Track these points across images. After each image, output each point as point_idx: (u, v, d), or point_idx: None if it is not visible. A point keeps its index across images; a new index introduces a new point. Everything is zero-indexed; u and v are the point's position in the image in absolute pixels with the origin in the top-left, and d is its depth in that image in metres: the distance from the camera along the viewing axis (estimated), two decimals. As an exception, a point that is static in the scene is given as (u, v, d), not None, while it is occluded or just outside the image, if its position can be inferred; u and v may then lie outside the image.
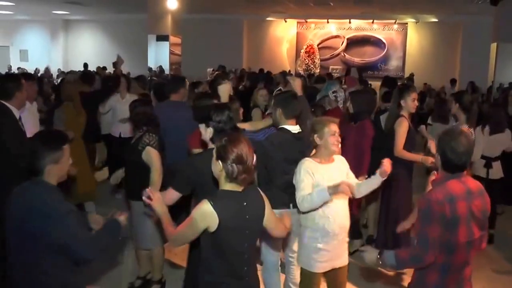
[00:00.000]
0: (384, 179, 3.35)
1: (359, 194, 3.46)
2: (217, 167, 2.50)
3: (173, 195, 3.18)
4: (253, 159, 2.51)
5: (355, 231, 5.20)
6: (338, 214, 3.41)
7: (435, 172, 3.94)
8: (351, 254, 5.25)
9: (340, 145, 3.65)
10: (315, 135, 3.39)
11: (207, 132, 3.20)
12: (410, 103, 4.75)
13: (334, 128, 3.39)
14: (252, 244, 2.66)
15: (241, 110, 4.90)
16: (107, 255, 2.77)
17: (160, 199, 2.66)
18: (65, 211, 2.47)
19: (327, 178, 3.31)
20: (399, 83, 6.59)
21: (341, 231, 3.44)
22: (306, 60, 19.80)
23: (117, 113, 6.99)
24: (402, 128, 4.69)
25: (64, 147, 2.62)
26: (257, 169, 3.48)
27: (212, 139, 3.17)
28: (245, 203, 2.53)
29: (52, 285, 2.57)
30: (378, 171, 3.35)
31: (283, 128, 3.75)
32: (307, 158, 3.44)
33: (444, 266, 2.62)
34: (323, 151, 3.42)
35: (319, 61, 19.88)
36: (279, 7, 17.50)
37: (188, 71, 15.52)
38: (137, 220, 4.16)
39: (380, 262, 2.74)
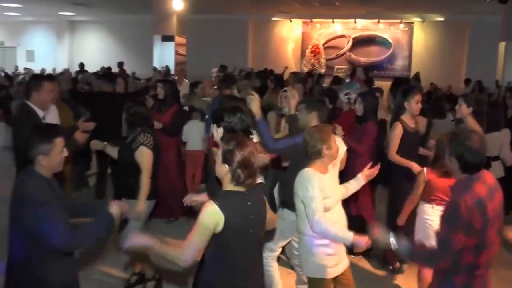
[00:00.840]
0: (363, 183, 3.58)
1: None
2: (223, 169, 2.52)
3: None
4: (258, 163, 2.54)
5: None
6: (341, 217, 3.44)
7: (425, 170, 3.97)
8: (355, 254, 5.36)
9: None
10: (324, 146, 3.26)
11: (218, 133, 3.22)
12: (414, 105, 4.67)
13: (334, 140, 3.38)
14: (256, 244, 2.67)
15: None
16: (97, 245, 2.79)
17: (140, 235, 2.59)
18: (42, 201, 2.52)
19: (330, 187, 3.33)
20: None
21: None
22: (312, 60, 19.77)
23: None
24: (396, 132, 4.65)
25: (55, 140, 2.69)
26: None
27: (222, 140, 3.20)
28: (249, 203, 2.54)
29: (30, 272, 2.63)
30: (360, 174, 3.54)
31: None
32: (311, 170, 3.28)
33: (472, 266, 2.57)
34: (327, 160, 3.35)
35: (324, 61, 19.83)
36: (284, 7, 17.47)
37: (193, 71, 15.53)
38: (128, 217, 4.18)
39: (395, 245, 2.74)
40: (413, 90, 4.79)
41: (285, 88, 5.82)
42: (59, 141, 2.73)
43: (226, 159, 2.50)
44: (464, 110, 4.65)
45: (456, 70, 17.87)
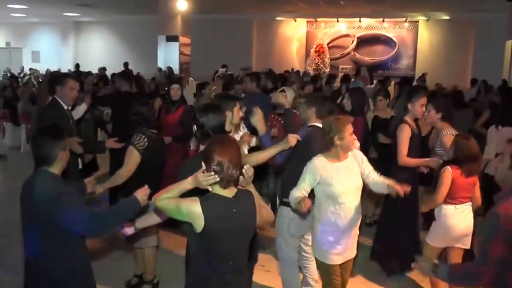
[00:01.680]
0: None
1: (375, 190, 3.65)
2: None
3: None
4: (238, 162, 2.47)
5: None
6: (350, 211, 3.48)
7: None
8: None
9: None
10: (336, 136, 3.38)
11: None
12: (418, 108, 4.59)
13: (351, 127, 3.43)
14: (240, 250, 2.61)
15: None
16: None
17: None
18: (62, 193, 2.72)
19: (336, 177, 3.41)
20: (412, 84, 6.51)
21: (351, 226, 3.52)
22: (316, 59, 19.71)
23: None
24: (404, 135, 4.53)
25: (65, 136, 2.92)
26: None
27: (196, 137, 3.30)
28: (234, 210, 2.48)
29: (56, 259, 2.81)
30: (388, 184, 3.49)
31: (314, 125, 3.94)
32: (319, 156, 3.48)
33: None
34: (339, 151, 3.45)
35: (329, 61, 19.77)
36: (289, 7, 17.44)
37: (198, 71, 15.54)
38: None
39: (434, 273, 2.67)
40: (419, 92, 4.69)
41: (283, 88, 5.85)
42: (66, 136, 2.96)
43: (205, 159, 2.47)
44: (433, 115, 4.62)
45: (461, 70, 17.75)
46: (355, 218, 3.52)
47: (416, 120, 4.76)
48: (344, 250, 3.52)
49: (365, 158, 3.66)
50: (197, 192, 2.52)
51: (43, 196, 2.70)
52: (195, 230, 2.45)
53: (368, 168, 3.61)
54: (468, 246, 3.99)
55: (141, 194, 2.88)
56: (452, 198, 3.85)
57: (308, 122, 4.00)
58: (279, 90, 5.87)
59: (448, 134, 4.47)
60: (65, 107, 4.67)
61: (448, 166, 3.86)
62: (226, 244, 2.50)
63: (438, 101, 4.81)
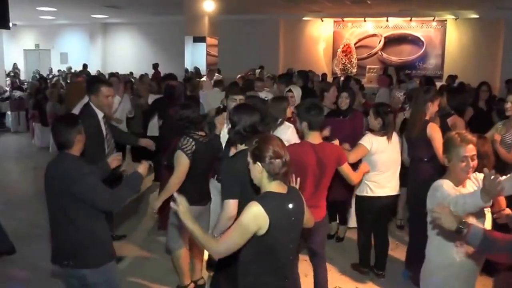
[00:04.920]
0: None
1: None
2: (257, 169, 2.51)
3: (234, 205, 3.07)
4: (288, 153, 2.54)
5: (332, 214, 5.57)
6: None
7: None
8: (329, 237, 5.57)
9: None
10: (445, 154, 3.08)
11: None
12: (436, 107, 4.70)
13: (467, 151, 2.93)
14: (295, 245, 2.66)
15: (290, 109, 4.91)
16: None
17: (186, 210, 2.49)
18: (86, 172, 3.09)
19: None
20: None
21: None
22: (343, 59, 19.59)
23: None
24: (438, 133, 4.45)
25: (79, 121, 3.29)
26: None
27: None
28: (290, 205, 2.53)
29: (80, 232, 3.14)
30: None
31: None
32: (445, 181, 3.04)
33: None
34: (452, 176, 3.05)
35: (356, 61, 19.61)
36: (316, 7, 17.38)
37: (225, 72, 15.58)
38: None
39: (458, 232, 2.42)
40: (438, 93, 4.85)
41: (290, 88, 5.86)
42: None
43: (257, 157, 2.50)
44: (373, 121, 4.62)
45: (490, 70, 17.39)
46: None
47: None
48: None
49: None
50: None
51: (67, 175, 3.06)
52: (256, 235, 2.45)
53: None
54: None
55: (143, 168, 3.33)
56: None
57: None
58: (286, 90, 5.93)
59: None
60: (100, 115, 4.62)
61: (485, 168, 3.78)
62: (286, 239, 2.54)
63: (379, 107, 4.74)
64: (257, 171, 2.51)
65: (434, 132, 4.51)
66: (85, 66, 19.13)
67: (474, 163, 2.93)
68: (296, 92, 5.71)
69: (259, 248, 2.50)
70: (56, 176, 3.12)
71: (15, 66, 22.61)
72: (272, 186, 2.51)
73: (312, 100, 4.08)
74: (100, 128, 4.61)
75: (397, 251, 5.55)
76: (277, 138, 2.59)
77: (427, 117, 4.64)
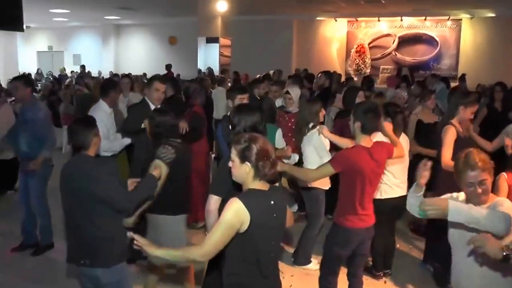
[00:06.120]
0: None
1: None
2: (244, 169, 2.48)
3: (217, 201, 3.17)
4: (274, 153, 2.55)
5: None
6: None
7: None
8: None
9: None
10: (455, 176, 2.80)
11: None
12: (469, 114, 4.51)
13: (470, 177, 2.67)
14: (278, 242, 2.68)
15: (323, 113, 4.86)
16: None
17: (147, 244, 2.51)
18: (105, 172, 3.14)
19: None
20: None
21: None
22: (357, 60, 19.46)
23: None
24: (449, 136, 4.34)
25: (96, 124, 3.36)
26: None
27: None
28: (272, 202, 2.53)
29: (97, 231, 3.16)
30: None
31: None
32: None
33: None
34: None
35: (369, 61, 19.48)
36: (330, 6, 17.29)
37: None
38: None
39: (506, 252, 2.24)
40: (475, 100, 4.58)
41: (287, 89, 5.80)
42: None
43: (245, 156, 2.46)
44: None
45: (506, 69, 17.15)
46: None
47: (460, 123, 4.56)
48: None
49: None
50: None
51: (85, 174, 3.11)
52: (238, 232, 2.43)
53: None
54: None
55: (157, 172, 3.34)
56: None
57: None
58: (284, 91, 5.86)
59: None
60: (152, 107, 4.95)
61: (504, 173, 3.67)
62: (268, 235, 2.54)
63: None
64: (244, 171, 2.48)
65: (445, 135, 4.37)
66: (83, 67, 19.82)
67: (484, 187, 2.66)
68: (294, 94, 5.62)
69: (241, 245, 2.49)
70: (74, 176, 3.17)
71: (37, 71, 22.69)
72: (255, 184, 2.52)
73: (373, 103, 3.96)
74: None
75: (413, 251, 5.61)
76: (265, 138, 2.58)
77: (454, 121, 4.48)
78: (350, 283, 3.95)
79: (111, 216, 3.21)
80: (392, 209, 4.60)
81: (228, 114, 4.22)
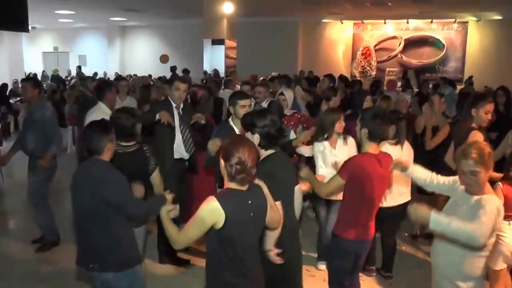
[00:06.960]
0: None
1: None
2: (221, 165, 2.64)
3: None
4: (254, 161, 2.61)
5: None
6: None
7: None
8: None
9: None
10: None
11: (254, 139, 3.13)
12: (482, 115, 4.24)
13: (464, 166, 2.87)
14: (255, 240, 2.78)
15: (341, 124, 4.61)
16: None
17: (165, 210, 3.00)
18: (117, 178, 3.13)
19: None
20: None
21: None
22: (362, 62, 19.43)
23: None
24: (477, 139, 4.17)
25: (112, 129, 3.28)
26: None
27: (260, 145, 3.16)
28: (249, 201, 2.63)
29: (107, 235, 3.15)
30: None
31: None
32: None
33: None
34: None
35: (375, 63, 19.46)
36: (336, 9, 17.25)
37: (244, 74, 15.49)
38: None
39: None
40: (485, 99, 4.33)
41: (281, 91, 5.77)
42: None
43: (223, 156, 2.62)
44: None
45: (513, 73, 17.07)
46: None
47: (480, 128, 4.36)
48: None
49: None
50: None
51: (98, 179, 3.08)
52: (215, 229, 2.56)
53: None
54: None
55: (170, 196, 3.25)
56: (504, 216, 3.53)
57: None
58: (278, 93, 5.83)
59: None
60: (174, 105, 5.05)
61: (499, 183, 3.66)
62: (244, 233, 2.64)
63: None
64: (222, 168, 2.65)
65: (473, 139, 4.16)
66: (79, 67, 20.05)
67: (474, 178, 2.85)
68: (288, 95, 5.62)
69: (220, 241, 2.61)
70: (87, 180, 3.15)
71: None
72: (233, 184, 2.63)
73: (380, 109, 3.88)
74: (173, 116, 4.94)
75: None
76: (248, 142, 2.69)
77: (474, 124, 4.29)
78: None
79: (121, 221, 3.21)
80: (391, 215, 4.55)
81: (229, 119, 4.26)
